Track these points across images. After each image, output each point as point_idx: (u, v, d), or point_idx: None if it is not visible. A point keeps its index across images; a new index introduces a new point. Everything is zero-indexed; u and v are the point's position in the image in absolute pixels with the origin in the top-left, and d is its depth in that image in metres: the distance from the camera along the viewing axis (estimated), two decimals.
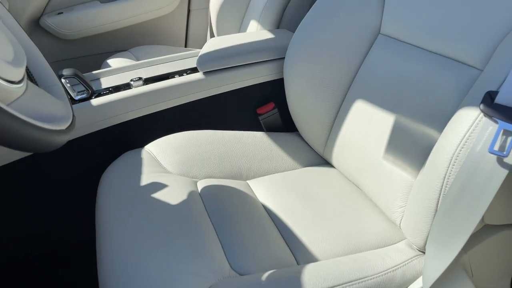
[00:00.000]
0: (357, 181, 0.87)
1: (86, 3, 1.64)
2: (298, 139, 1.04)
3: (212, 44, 1.06)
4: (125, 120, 0.94)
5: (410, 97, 0.76)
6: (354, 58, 0.90)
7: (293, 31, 1.27)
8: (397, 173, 0.75)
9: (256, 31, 1.18)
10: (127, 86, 0.97)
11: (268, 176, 0.93)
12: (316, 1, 0.96)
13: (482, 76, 0.62)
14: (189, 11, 1.81)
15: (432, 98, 0.71)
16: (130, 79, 0.98)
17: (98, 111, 0.91)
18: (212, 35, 1.77)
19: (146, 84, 0.97)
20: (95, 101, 0.91)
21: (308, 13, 0.97)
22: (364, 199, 0.85)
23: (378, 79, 0.84)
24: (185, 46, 1.85)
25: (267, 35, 1.12)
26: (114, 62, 1.53)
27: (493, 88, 0.55)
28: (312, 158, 1.00)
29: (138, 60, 1.56)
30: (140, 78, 0.97)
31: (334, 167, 0.96)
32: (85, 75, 1.03)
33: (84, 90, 0.92)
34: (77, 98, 0.92)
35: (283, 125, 1.09)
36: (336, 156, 0.93)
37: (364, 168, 0.84)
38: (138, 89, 0.95)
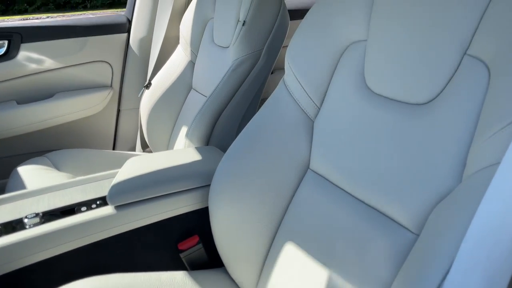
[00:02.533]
0: None
1: (0, 103, 1.50)
2: (225, 277, 0.91)
3: (128, 170, 0.94)
4: (12, 270, 0.77)
5: (342, 252, 0.67)
6: (284, 192, 0.82)
7: (223, 147, 1.21)
8: None
9: (182, 149, 1.09)
10: (20, 224, 0.82)
11: None
12: (247, 126, 0.90)
13: (416, 247, 0.55)
14: (119, 111, 1.71)
15: (366, 258, 0.63)
16: (25, 214, 0.83)
17: None
18: (142, 137, 1.67)
19: (44, 220, 0.82)
20: None
21: (237, 138, 0.90)
22: None
23: (309, 222, 0.76)
24: (113, 149, 1.73)
25: (193, 156, 1.03)
26: (26, 170, 1.36)
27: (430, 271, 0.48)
28: None
29: (55, 166, 1.41)
30: (36, 215, 0.83)
31: None
32: None
33: None
34: None
35: (209, 261, 0.97)
36: None
37: None
38: (32, 231, 0.80)
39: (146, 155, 1.04)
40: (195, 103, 1.45)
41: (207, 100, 1.18)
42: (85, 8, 15.68)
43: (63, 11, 15.04)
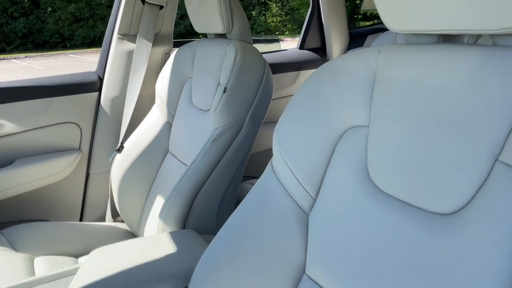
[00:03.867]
0: None
1: None
2: None
3: (88, 272, 0.79)
4: None
5: None
6: None
7: (202, 229, 1.07)
8: None
9: (154, 237, 0.95)
10: None
11: None
12: (229, 219, 0.77)
13: None
14: (87, 175, 1.56)
15: None
16: None
17: None
18: (113, 204, 1.51)
19: None
20: None
21: (218, 235, 0.77)
22: None
23: None
24: (81, 217, 1.56)
25: (167, 247, 0.89)
26: None
27: None
28: None
29: (12, 246, 1.24)
30: None
31: None
32: None
33: None
34: None
35: None
36: None
37: None
38: None
39: (113, 246, 0.89)
40: (172, 169, 1.32)
41: (183, 176, 1.05)
42: (64, 47, 15.64)
43: (42, 50, 14.96)
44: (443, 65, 0.56)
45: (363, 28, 2.09)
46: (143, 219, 1.33)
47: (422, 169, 0.56)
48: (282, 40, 14.97)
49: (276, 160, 0.76)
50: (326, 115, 0.70)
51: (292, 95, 1.90)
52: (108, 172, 1.56)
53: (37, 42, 15.63)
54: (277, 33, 17.31)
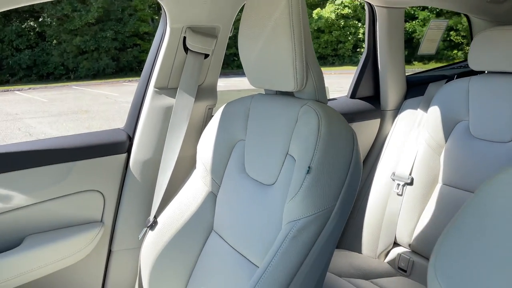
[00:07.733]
0: None
1: None
2: None
3: None
4: None
5: None
6: None
7: None
8: None
9: None
10: None
11: None
12: None
13: None
14: (110, 252, 1.29)
15: None
16: None
17: None
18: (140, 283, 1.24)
19: None
20: None
21: None
22: None
23: None
24: None
25: None
26: None
27: None
28: None
29: None
30: None
31: None
32: None
33: None
34: None
35: None
36: None
37: None
38: None
39: None
40: (219, 253, 1.06)
41: (256, 284, 0.78)
42: (68, 79, 15.59)
43: (46, 82, 14.88)
44: None
45: (422, 74, 1.86)
46: None
47: None
48: None
49: None
50: None
51: None
52: (135, 249, 1.30)
53: (41, 74, 15.62)
54: None
